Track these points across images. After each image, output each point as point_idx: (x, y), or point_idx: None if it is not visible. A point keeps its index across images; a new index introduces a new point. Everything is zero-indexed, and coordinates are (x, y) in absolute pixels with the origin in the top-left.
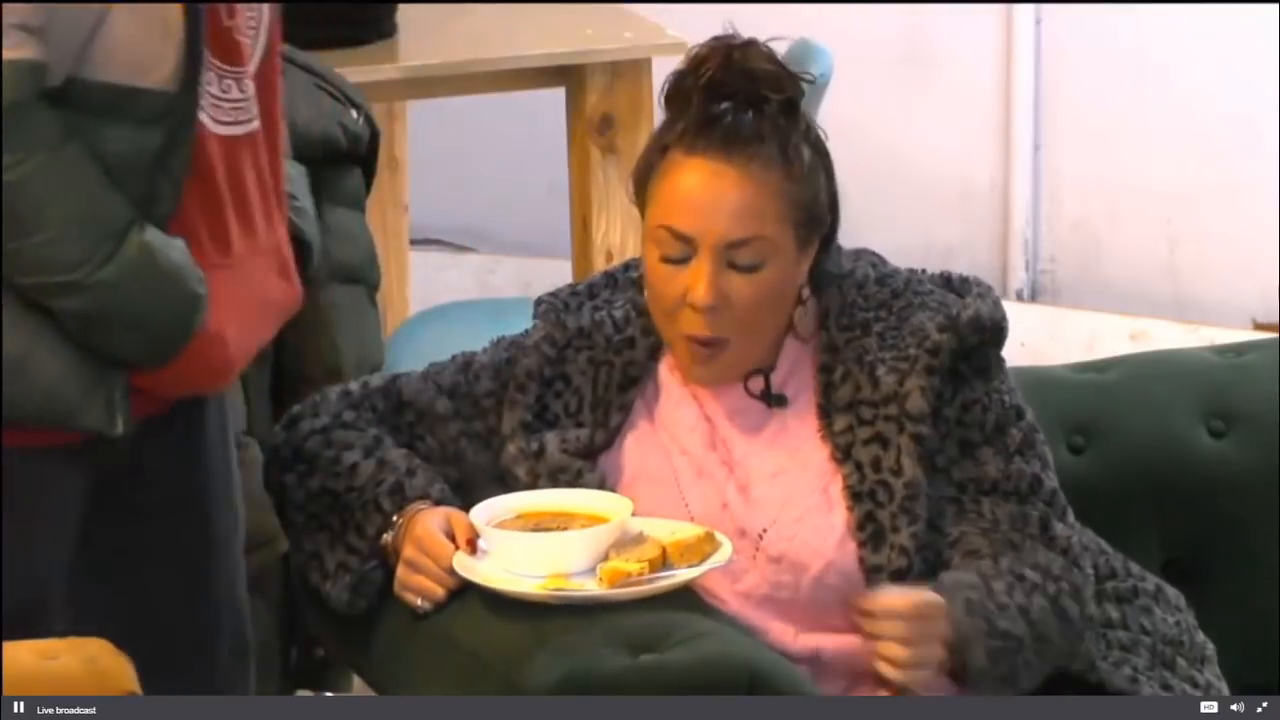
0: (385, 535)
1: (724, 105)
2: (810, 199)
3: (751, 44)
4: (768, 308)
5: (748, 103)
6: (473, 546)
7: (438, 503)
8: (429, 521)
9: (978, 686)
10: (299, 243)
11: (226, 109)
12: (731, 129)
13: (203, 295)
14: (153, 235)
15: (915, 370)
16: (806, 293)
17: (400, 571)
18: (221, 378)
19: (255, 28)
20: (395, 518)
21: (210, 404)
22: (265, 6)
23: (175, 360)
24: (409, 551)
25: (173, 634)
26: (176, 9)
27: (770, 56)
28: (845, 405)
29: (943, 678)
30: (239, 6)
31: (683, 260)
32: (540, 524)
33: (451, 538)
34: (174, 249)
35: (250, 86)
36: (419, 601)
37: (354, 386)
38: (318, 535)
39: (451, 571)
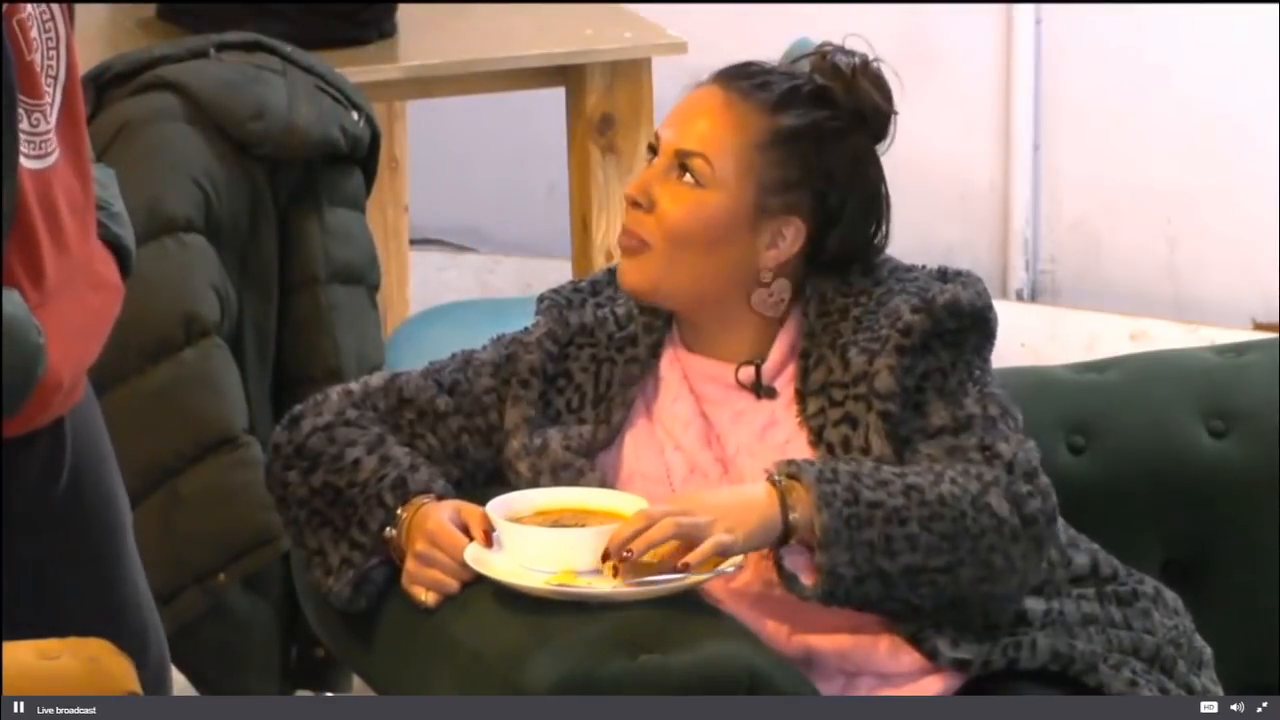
0: (388, 530)
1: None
2: (782, 170)
3: (876, 77)
4: (691, 233)
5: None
6: (488, 538)
7: (440, 498)
8: (439, 514)
9: (833, 548)
10: (116, 248)
11: (37, 143)
12: (754, 70)
13: (43, 345)
14: None
15: (886, 350)
16: (769, 277)
17: (410, 565)
18: (60, 410)
19: (55, 48)
20: (399, 511)
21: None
22: (60, 24)
23: (20, 410)
24: (420, 545)
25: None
26: None
27: (888, 96)
28: (818, 388)
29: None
30: (34, 37)
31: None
32: (560, 521)
33: (464, 530)
34: (12, 303)
35: (53, 115)
36: (424, 596)
37: (355, 386)
38: (320, 532)
39: (464, 564)
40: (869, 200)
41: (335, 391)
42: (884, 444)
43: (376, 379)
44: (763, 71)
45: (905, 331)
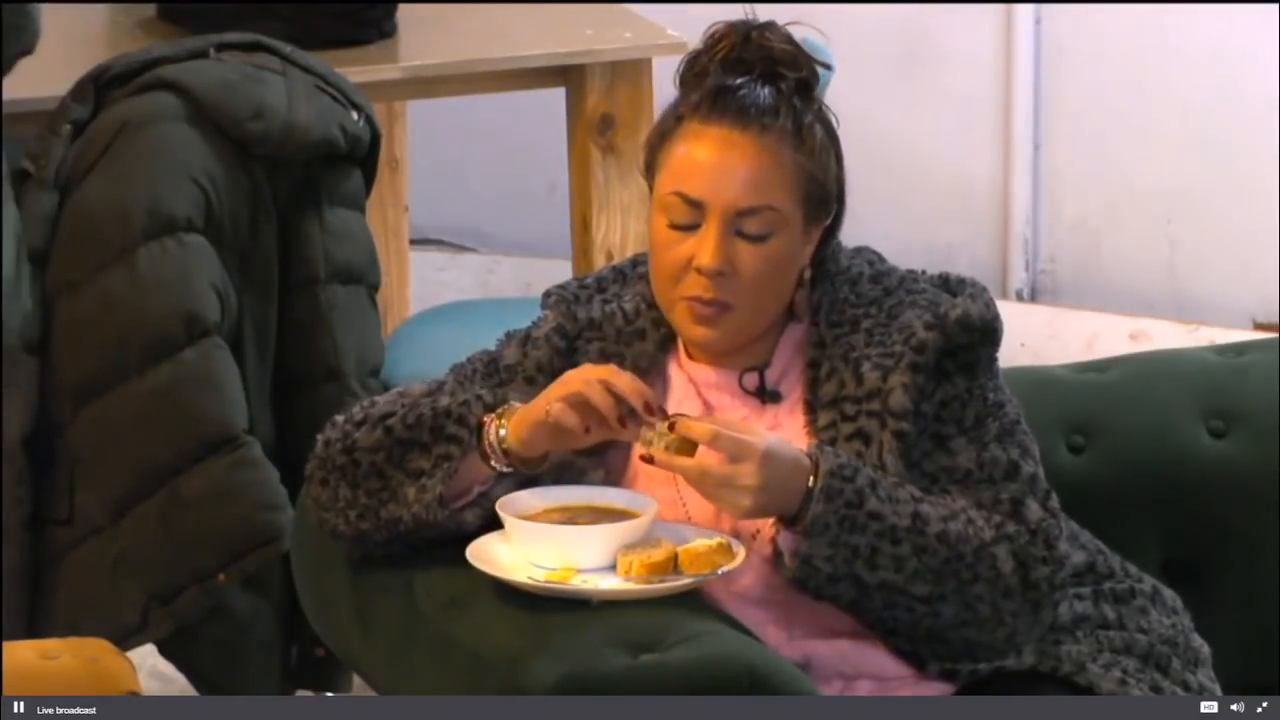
0: (488, 417)
1: (740, 79)
2: (820, 177)
3: (770, 25)
4: (772, 280)
5: (763, 78)
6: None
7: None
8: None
9: (817, 540)
10: None
11: None
12: (748, 100)
13: None
14: None
15: (899, 367)
16: (808, 274)
17: (555, 404)
18: None
19: None
20: (499, 408)
21: None
22: None
23: None
24: (577, 386)
25: None
26: None
27: (788, 38)
28: (830, 401)
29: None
30: None
31: (691, 227)
32: (574, 519)
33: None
34: None
35: None
36: (566, 418)
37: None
38: (408, 454)
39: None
40: (838, 154)
41: (382, 397)
42: (897, 462)
43: (418, 387)
44: (752, 100)
45: (919, 349)
